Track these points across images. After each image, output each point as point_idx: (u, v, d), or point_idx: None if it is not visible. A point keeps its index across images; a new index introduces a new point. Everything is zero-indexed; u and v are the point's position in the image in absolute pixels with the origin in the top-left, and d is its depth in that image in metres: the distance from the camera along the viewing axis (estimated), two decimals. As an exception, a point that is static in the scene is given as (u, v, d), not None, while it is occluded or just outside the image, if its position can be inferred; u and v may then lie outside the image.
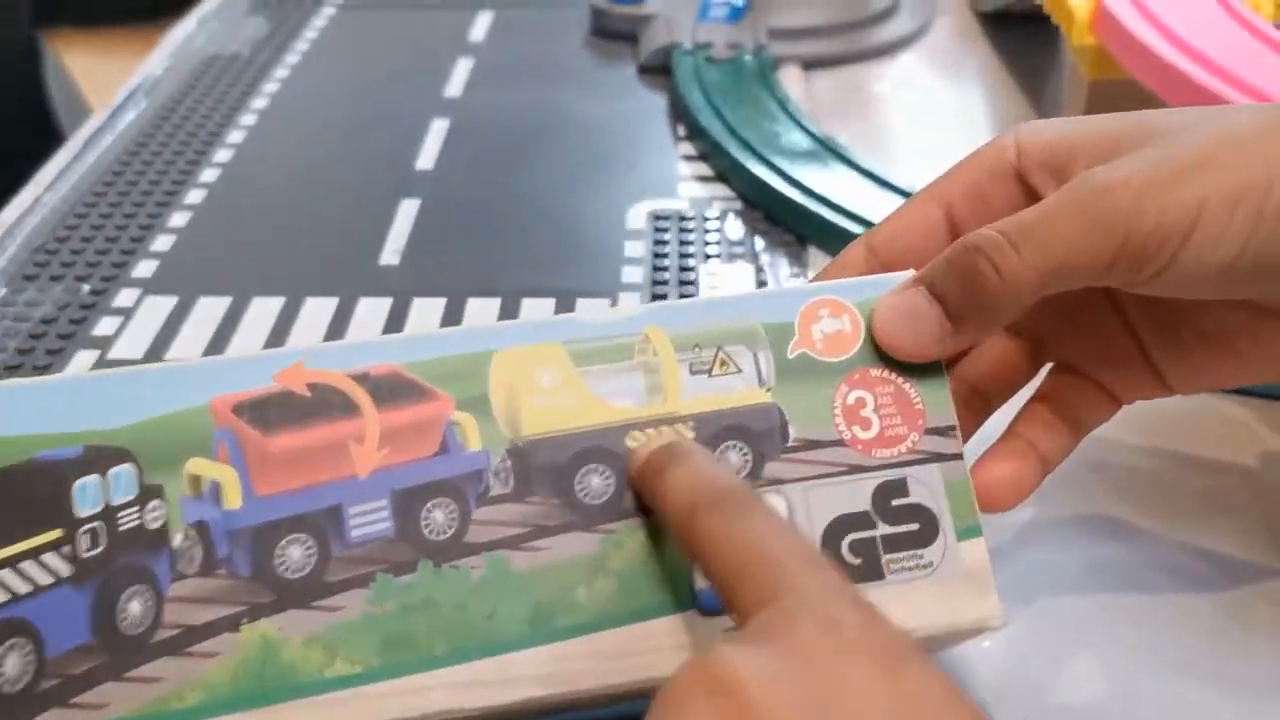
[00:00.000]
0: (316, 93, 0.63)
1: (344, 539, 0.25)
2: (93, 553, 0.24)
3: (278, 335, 0.45)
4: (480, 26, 0.71)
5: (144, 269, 0.49)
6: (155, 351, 0.44)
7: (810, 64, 0.66)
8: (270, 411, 0.26)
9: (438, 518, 0.26)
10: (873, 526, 0.27)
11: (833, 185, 0.51)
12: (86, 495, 0.25)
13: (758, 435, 0.28)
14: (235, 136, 0.59)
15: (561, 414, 0.27)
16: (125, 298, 0.47)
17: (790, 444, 0.28)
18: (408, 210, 0.53)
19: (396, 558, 0.25)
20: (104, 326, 0.46)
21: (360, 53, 0.68)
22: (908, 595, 0.27)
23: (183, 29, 0.70)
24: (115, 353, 0.44)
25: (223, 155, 0.57)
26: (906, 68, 0.67)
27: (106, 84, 1.57)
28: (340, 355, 0.27)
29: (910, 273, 0.28)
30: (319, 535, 0.25)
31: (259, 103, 0.62)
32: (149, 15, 1.44)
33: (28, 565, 0.24)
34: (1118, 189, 0.26)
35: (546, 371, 0.27)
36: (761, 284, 0.48)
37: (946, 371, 0.28)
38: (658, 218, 0.52)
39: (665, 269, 0.49)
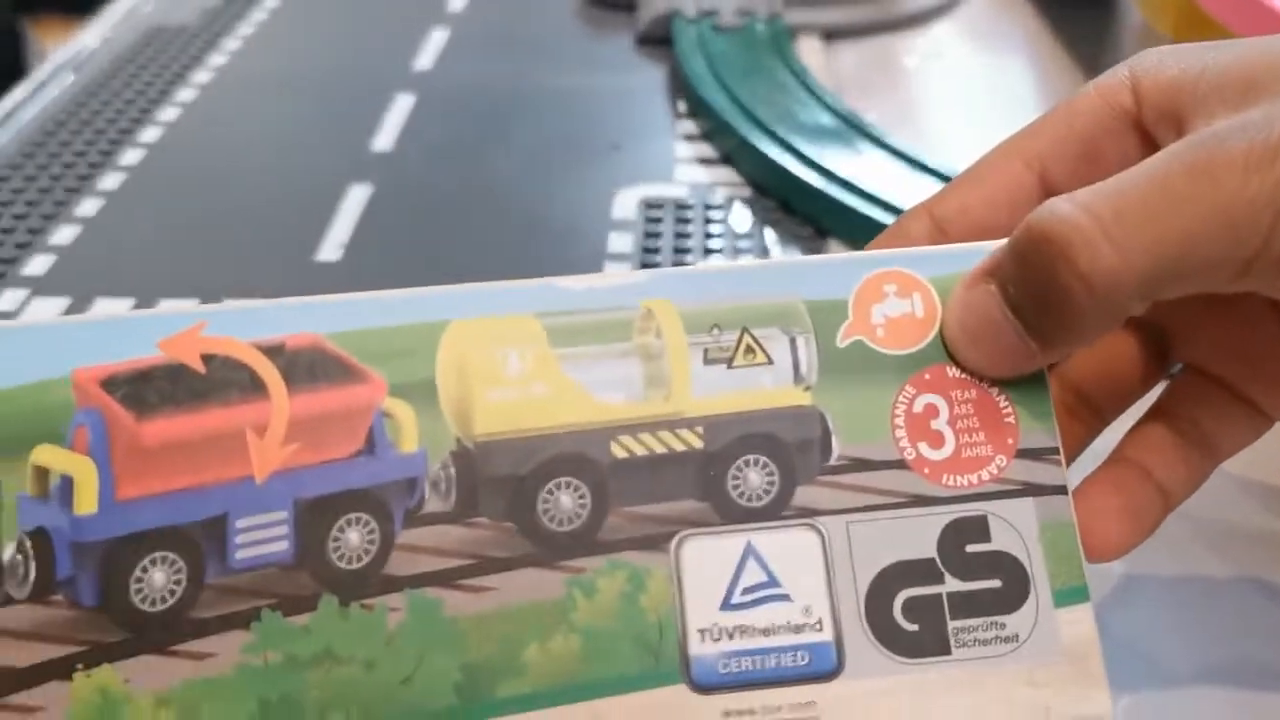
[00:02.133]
0: (268, 67, 0.56)
1: (225, 561, 0.20)
2: None
3: None
4: (463, -6, 0.62)
5: (37, 265, 0.41)
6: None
7: (832, 34, 0.57)
8: (150, 389, 0.21)
9: (351, 539, 0.20)
10: (938, 581, 0.21)
11: (859, 169, 0.43)
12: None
13: (789, 449, 0.22)
14: (168, 114, 0.51)
15: (528, 409, 0.21)
16: (8, 300, 0.39)
17: (833, 462, 0.21)
18: (357, 197, 0.45)
19: (291, 591, 0.20)
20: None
21: (324, 25, 0.61)
22: (981, 679, 0.21)
23: (127, -1, 0.61)
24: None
25: (150, 135, 0.50)
26: (940, 39, 0.59)
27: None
28: (249, 320, 0.22)
29: (1002, 243, 0.22)
30: (191, 555, 0.20)
31: (201, 76, 0.54)
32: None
33: None
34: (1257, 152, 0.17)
35: (513, 351, 0.22)
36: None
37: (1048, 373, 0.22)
38: (650, 205, 0.44)
39: (657, 265, 0.40)
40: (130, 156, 0.49)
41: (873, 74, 0.57)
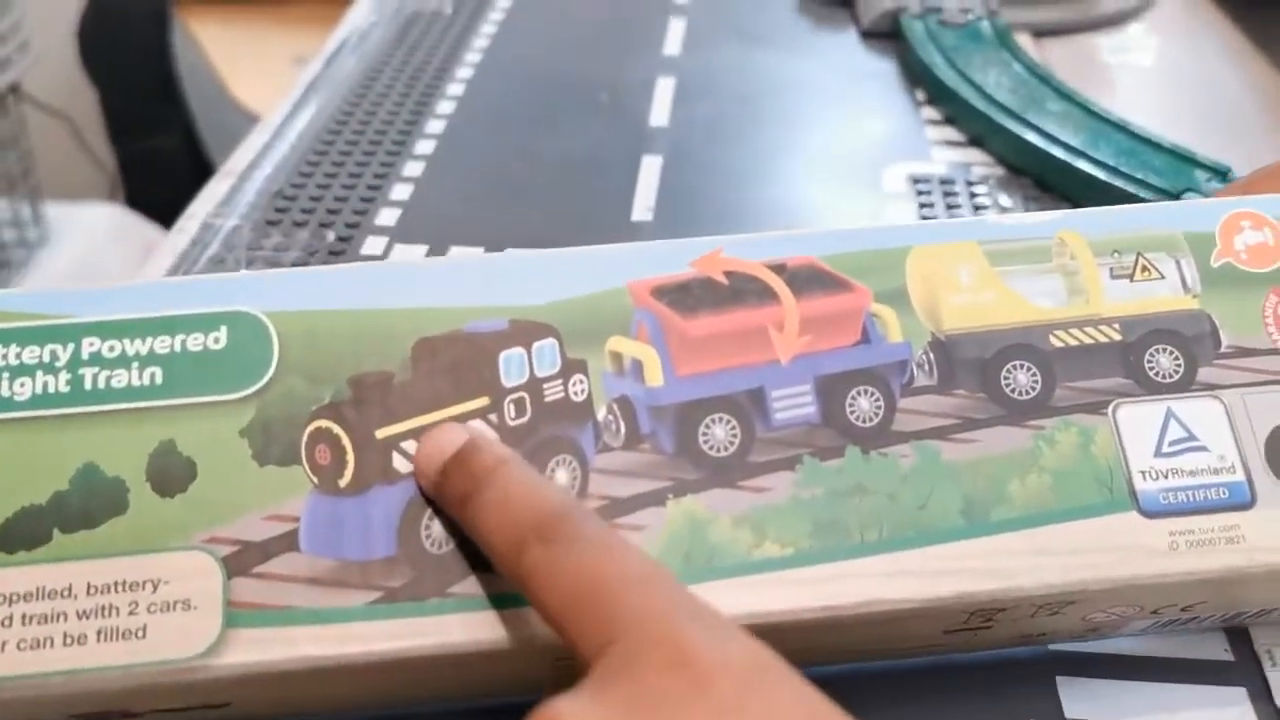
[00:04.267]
0: (528, 48, 0.63)
1: (768, 421, 0.26)
2: (519, 421, 0.25)
3: None
4: (684, -11, 0.67)
5: (386, 217, 0.47)
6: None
7: (1040, 31, 0.61)
8: (689, 296, 0.27)
9: (863, 404, 0.26)
10: None
11: (1107, 150, 0.47)
12: (511, 366, 0.25)
13: (1189, 340, 0.28)
14: (454, 89, 0.58)
15: (983, 310, 0.27)
16: (373, 245, 0.45)
17: (1222, 350, 0.28)
18: (650, 166, 0.50)
19: (822, 442, 0.26)
20: (356, 273, 0.43)
21: (563, 12, 0.65)
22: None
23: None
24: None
25: (445, 107, 0.56)
26: (1136, 38, 0.63)
27: (234, 55, 1.56)
28: (756, 246, 0.28)
29: None
30: (742, 416, 0.26)
31: (472, 57, 0.60)
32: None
33: None
34: None
35: (964, 269, 0.28)
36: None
37: None
38: (917, 180, 0.48)
39: (937, 233, 0.45)
40: (433, 126, 0.55)
41: (1082, 70, 0.61)
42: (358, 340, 0.25)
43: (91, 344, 0.24)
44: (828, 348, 0.26)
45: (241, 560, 0.23)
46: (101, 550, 0.23)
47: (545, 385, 0.25)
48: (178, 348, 0.25)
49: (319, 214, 0.48)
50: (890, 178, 0.51)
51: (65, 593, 0.22)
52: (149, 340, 0.25)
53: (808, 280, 0.27)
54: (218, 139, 1.25)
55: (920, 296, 0.27)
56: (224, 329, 0.25)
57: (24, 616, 0.22)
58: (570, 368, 0.25)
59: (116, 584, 0.22)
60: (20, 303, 0.25)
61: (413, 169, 0.52)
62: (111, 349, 0.25)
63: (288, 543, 0.23)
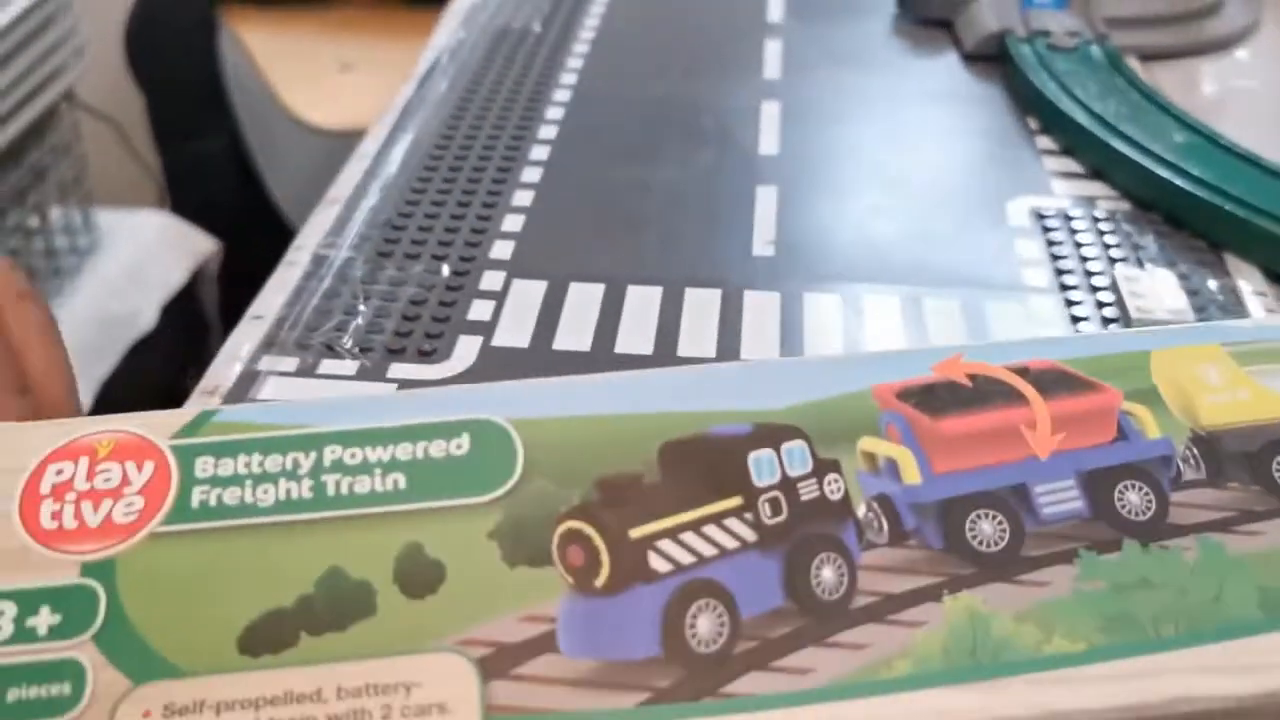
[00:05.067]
0: (623, 68, 0.62)
1: (1036, 516, 0.25)
2: (776, 520, 0.24)
3: (665, 331, 0.43)
4: (775, 7, 0.66)
5: (500, 249, 0.45)
6: (540, 338, 0.40)
7: (1147, 56, 0.60)
8: (935, 398, 0.26)
9: (1132, 499, 0.25)
10: None
11: (1241, 185, 0.46)
12: (762, 467, 0.25)
13: None
14: (553, 113, 0.56)
15: (1241, 406, 0.27)
16: (490, 280, 0.43)
17: None
18: (766, 197, 0.48)
19: (1097, 536, 0.25)
20: (477, 310, 0.42)
21: (653, 30, 0.64)
22: None
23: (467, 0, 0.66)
24: (499, 340, 0.40)
25: (546, 131, 0.55)
26: (1243, 65, 0.62)
27: (280, 60, 1.55)
28: (995, 352, 0.27)
29: None
30: (1008, 512, 0.25)
31: (567, 78, 0.59)
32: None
33: (711, 530, 0.24)
34: None
35: (1212, 369, 0.27)
36: (1192, 293, 0.42)
37: None
38: (1041, 216, 0.47)
39: (1070, 271, 0.45)
40: (536, 152, 0.54)
41: (1192, 95, 0.60)
42: (602, 445, 0.25)
43: (333, 451, 0.24)
44: (1085, 445, 0.26)
45: (497, 663, 0.22)
46: (351, 653, 0.22)
47: (799, 484, 0.25)
48: (420, 454, 0.24)
49: (431, 245, 0.47)
50: (1014, 211, 0.50)
51: (315, 696, 0.21)
52: (390, 448, 0.24)
53: (1054, 382, 0.27)
54: (263, 144, 1.24)
55: (1172, 396, 0.27)
56: (466, 436, 0.25)
57: None
58: (823, 467, 0.25)
59: (368, 687, 0.21)
60: (258, 415, 0.25)
61: (521, 198, 0.50)
62: (353, 456, 0.24)
63: (545, 644, 0.22)
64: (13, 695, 0.21)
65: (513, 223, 0.49)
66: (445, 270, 0.46)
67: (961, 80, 0.61)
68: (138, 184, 1.27)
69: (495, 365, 0.41)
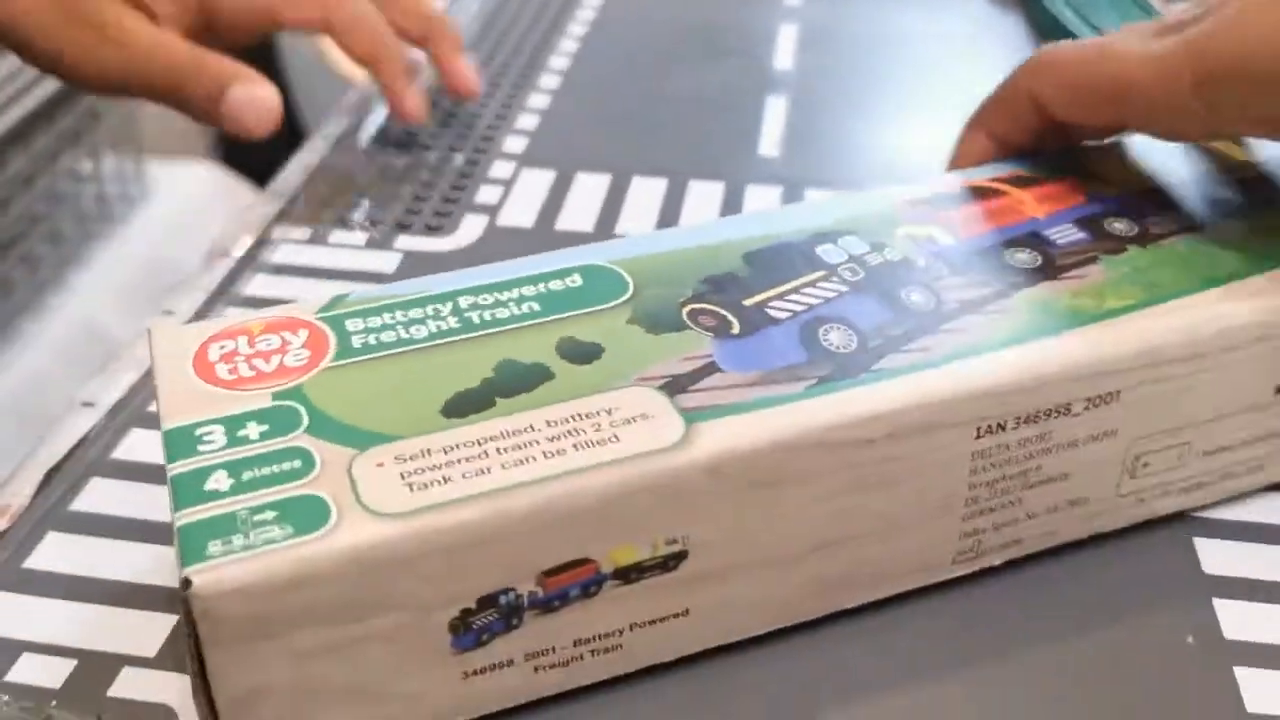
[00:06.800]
0: (642, 16, 0.61)
1: (1054, 246, 0.30)
2: (858, 276, 0.29)
3: (667, 218, 0.44)
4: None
5: (513, 144, 0.47)
6: (545, 219, 0.42)
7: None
8: (944, 200, 0.32)
9: (1119, 226, 0.31)
10: None
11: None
12: (830, 253, 0.29)
13: None
14: (577, 29, 0.57)
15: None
16: (500, 169, 0.45)
17: None
18: (776, 106, 0.49)
19: (1105, 248, 0.30)
20: (485, 194, 0.43)
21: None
22: None
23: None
24: (503, 220, 0.42)
25: (569, 45, 0.56)
26: None
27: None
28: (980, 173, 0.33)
29: None
30: (1034, 244, 0.30)
31: (586, 14, 0.59)
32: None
33: (810, 290, 0.28)
34: None
35: None
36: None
37: None
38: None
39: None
40: (557, 63, 0.55)
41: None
42: (693, 261, 0.29)
43: (466, 299, 0.27)
44: (1069, 206, 0.31)
45: (677, 386, 0.25)
46: (547, 400, 0.24)
47: (866, 256, 0.29)
48: (543, 289, 0.28)
49: (448, 138, 0.49)
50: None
51: (528, 429, 0.24)
52: (515, 290, 0.28)
53: (1027, 180, 0.32)
54: (310, 104, 1.26)
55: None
56: (577, 275, 0.28)
57: (498, 449, 0.23)
58: (878, 246, 0.29)
59: (574, 415, 0.24)
60: (385, 290, 0.28)
61: (538, 101, 0.52)
62: (485, 298, 0.27)
63: (710, 369, 0.25)
64: (247, 474, 0.22)
65: (527, 121, 0.50)
66: (459, 159, 0.47)
67: (979, 9, 0.61)
68: (188, 134, 1.30)
69: (500, 242, 0.42)
